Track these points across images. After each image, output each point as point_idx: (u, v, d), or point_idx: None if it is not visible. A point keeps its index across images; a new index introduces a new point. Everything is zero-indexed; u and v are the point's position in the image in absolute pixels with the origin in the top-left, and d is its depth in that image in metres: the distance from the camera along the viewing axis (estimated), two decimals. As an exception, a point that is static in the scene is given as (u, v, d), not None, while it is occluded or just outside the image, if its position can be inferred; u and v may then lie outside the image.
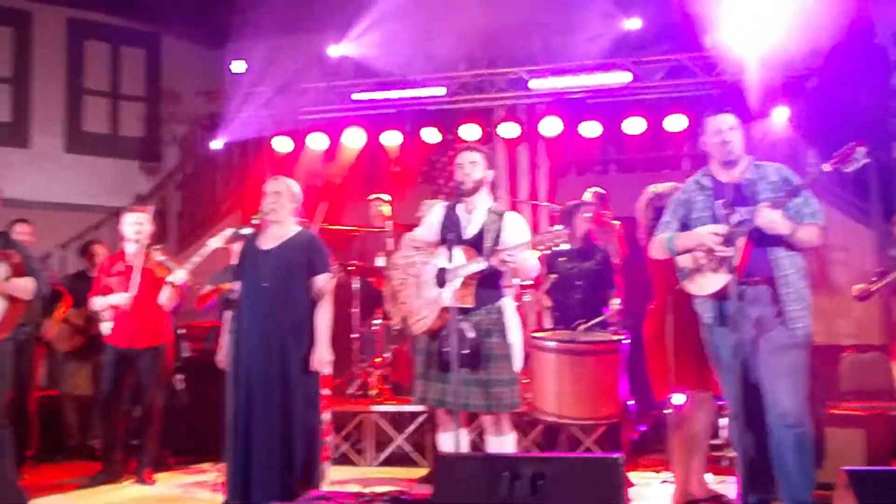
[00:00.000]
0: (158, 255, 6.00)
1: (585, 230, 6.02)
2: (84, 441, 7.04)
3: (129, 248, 6.12)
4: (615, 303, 6.17)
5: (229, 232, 5.66)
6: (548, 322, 6.33)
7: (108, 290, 6.11)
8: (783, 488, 3.99)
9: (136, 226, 6.10)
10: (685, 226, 4.29)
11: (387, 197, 7.60)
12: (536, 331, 5.80)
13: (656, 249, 4.42)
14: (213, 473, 5.75)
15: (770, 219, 3.94)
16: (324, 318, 4.75)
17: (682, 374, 4.78)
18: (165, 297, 5.96)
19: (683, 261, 4.26)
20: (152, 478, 6.03)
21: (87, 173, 10.36)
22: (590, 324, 5.53)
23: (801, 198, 4.05)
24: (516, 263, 4.42)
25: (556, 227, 4.41)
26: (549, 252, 5.98)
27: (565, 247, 5.37)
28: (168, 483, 6.06)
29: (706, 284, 4.17)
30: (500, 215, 4.67)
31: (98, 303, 6.11)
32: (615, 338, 5.48)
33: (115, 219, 9.85)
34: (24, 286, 4.92)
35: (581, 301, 5.90)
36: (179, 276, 5.91)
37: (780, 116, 8.61)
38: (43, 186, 9.79)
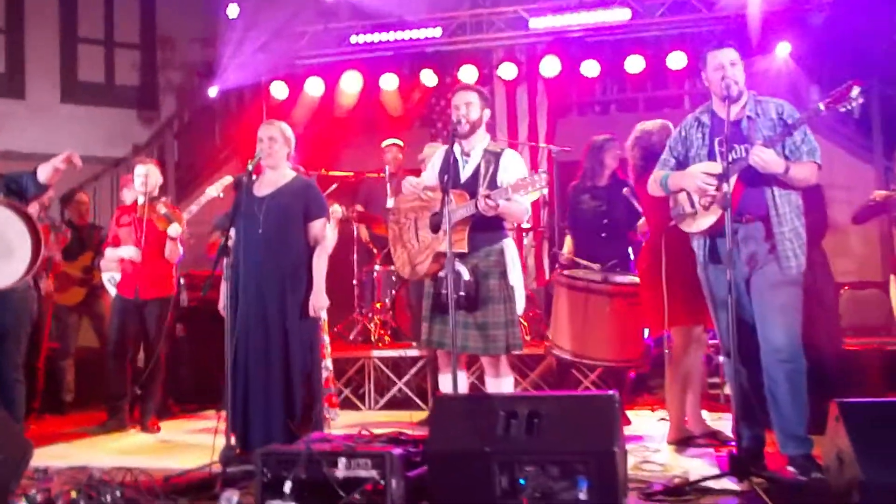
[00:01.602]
0: (161, 208, 6.00)
1: (613, 168, 5.89)
2: (87, 391, 7.11)
3: (139, 200, 6.16)
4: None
5: (227, 180, 5.66)
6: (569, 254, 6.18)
7: (117, 242, 6.16)
8: (776, 423, 4.03)
9: (140, 177, 6.12)
10: (683, 163, 4.26)
11: (400, 143, 7.56)
12: (564, 269, 5.74)
13: (652, 187, 4.40)
14: (215, 420, 5.80)
15: (763, 158, 3.91)
16: (320, 264, 4.73)
17: (674, 310, 4.78)
18: (168, 250, 6.02)
19: (677, 199, 4.25)
20: (157, 425, 6.11)
21: (84, 123, 10.26)
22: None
23: (799, 135, 4.01)
24: (502, 209, 4.39)
25: (540, 172, 4.37)
26: (570, 190, 5.99)
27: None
28: (172, 430, 6.13)
29: (699, 222, 4.16)
30: (497, 155, 4.62)
31: (109, 254, 6.17)
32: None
33: (114, 169, 9.91)
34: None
35: (607, 239, 5.78)
36: (175, 229, 5.94)
37: (783, 52, 8.48)
38: (40, 137, 9.68)
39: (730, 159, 3.97)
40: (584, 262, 5.59)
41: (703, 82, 4.27)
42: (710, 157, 4.15)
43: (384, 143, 7.69)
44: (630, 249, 5.91)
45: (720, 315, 4.12)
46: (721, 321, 4.13)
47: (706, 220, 4.10)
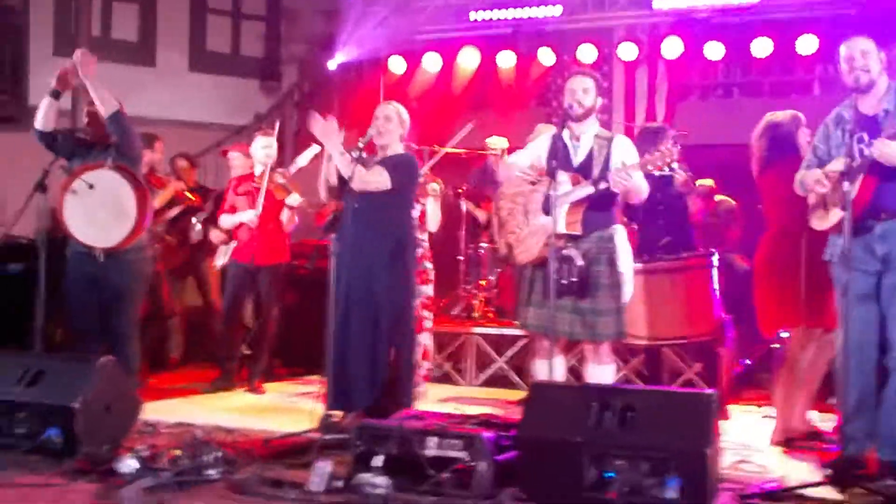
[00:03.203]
0: (279, 178, 6.18)
1: None
2: (195, 349, 7.41)
3: (258, 170, 6.34)
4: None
5: (315, 150, 5.86)
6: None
7: (233, 209, 6.37)
8: (883, 426, 3.86)
9: (266, 149, 6.33)
10: (826, 161, 4.10)
11: (505, 144, 7.40)
12: None
13: (796, 186, 4.25)
14: (317, 385, 5.96)
15: (884, 151, 3.74)
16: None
17: (799, 309, 4.61)
18: (286, 218, 6.21)
19: (814, 197, 4.11)
20: (262, 387, 6.32)
21: (209, 92, 10.60)
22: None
23: None
24: (630, 183, 4.33)
25: (667, 146, 4.28)
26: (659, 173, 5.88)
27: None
28: (276, 393, 6.35)
29: (826, 220, 4.01)
30: (609, 140, 4.56)
31: (226, 220, 6.40)
32: (701, 253, 5.30)
33: (236, 137, 10.20)
34: None
35: (664, 227, 5.70)
36: (295, 198, 6.12)
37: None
38: (167, 104, 10.05)
39: (861, 156, 3.81)
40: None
41: (834, 68, 4.10)
42: (846, 154, 3.97)
43: (489, 143, 7.50)
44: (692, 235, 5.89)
45: (846, 313, 3.95)
46: (844, 319, 3.96)
47: (832, 219, 3.95)
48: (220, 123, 10.29)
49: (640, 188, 4.48)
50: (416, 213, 5.89)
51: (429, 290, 5.98)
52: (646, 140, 5.74)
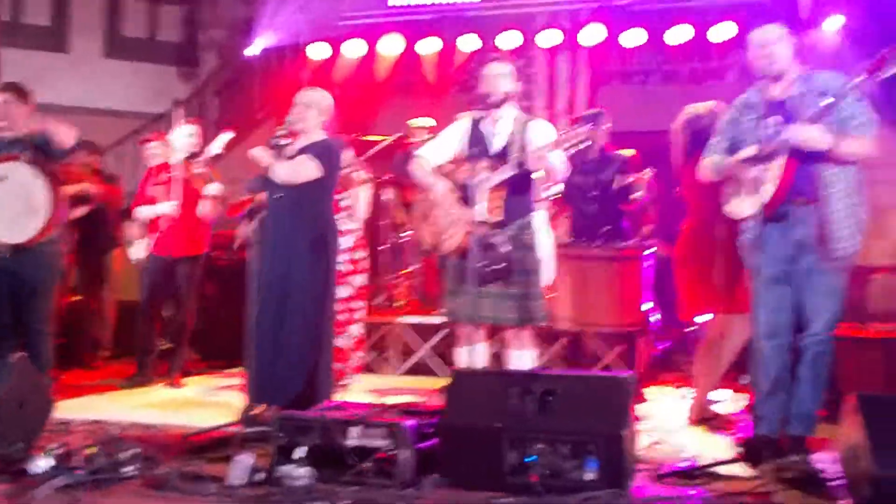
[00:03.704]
0: (198, 167, 6.05)
1: (603, 142, 5.86)
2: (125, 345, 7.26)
3: (175, 159, 6.21)
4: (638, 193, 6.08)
5: (227, 136, 5.86)
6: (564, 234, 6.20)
7: (151, 200, 6.22)
8: (794, 403, 3.98)
9: (190, 137, 6.20)
10: (734, 146, 4.16)
11: (432, 122, 7.38)
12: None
13: (704, 172, 4.31)
14: (240, 378, 5.89)
15: (802, 136, 3.81)
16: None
17: (718, 295, 4.72)
18: (206, 209, 6.08)
19: (729, 184, 4.16)
20: (181, 381, 6.21)
21: (126, 78, 10.37)
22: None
23: (851, 108, 3.86)
24: (547, 162, 4.37)
25: (580, 126, 4.34)
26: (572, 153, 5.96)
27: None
28: (196, 386, 6.23)
29: (743, 206, 4.08)
30: (526, 124, 4.59)
31: (143, 212, 6.25)
32: (638, 245, 5.39)
33: (154, 125, 9.98)
34: None
35: (598, 212, 5.79)
36: (215, 187, 6.01)
37: (834, 25, 8.23)
38: (82, 92, 9.81)
39: (774, 141, 3.89)
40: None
41: (748, 55, 4.16)
42: (757, 139, 4.05)
43: (412, 124, 7.52)
44: (624, 222, 5.98)
45: (760, 297, 4.05)
46: (758, 303, 4.06)
47: (751, 205, 4.02)
48: (137, 111, 10.07)
49: (556, 168, 4.51)
50: (347, 201, 5.87)
51: (362, 279, 5.95)
52: (584, 124, 5.79)
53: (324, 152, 4.72)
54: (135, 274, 6.67)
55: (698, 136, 4.83)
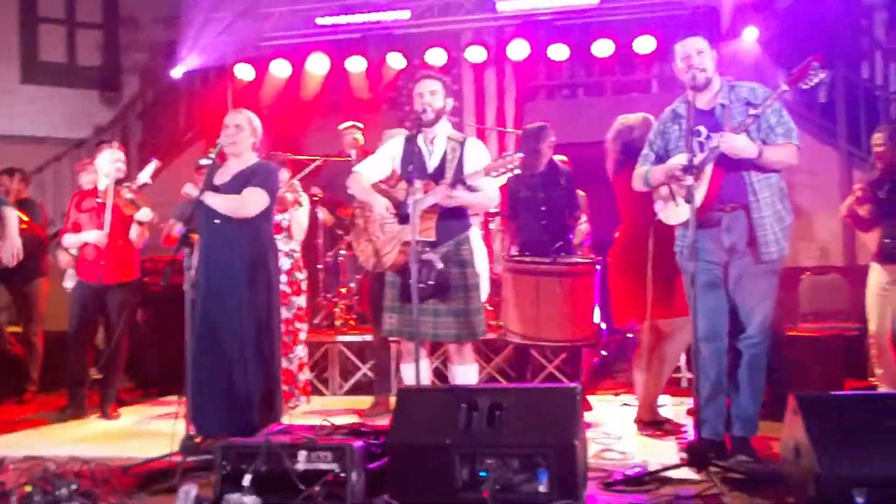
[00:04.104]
0: (127, 193, 5.91)
1: (549, 155, 5.89)
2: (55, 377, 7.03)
3: (101, 184, 6.05)
4: (583, 223, 6.13)
5: (155, 165, 5.69)
6: (513, 249, 6.24)
7: (77, 227, 6.05)
8: (733, 405, 4.08)
9: (116, 163, 6.06)
10: (663, 156, 4.24)
11: (360, 125, 7.41)
12: (511, 254, 5.78)
13: (636, 183, 4.39)
14: (177, 406, 5.75)
15: (732, 144, 3.90)
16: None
17: (658, 303, 4.79)
18: (135, 234, 5.96)
19: (660, 192, 4.24)
20: (116, 412, 6.05)
21: (44, 104, 10.07)
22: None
23: (773, 117, 3.99)
24: (464, 201, 4.39)
25: (513, 152, 4.36)
26: (509, 177, 5.98)
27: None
28: (132, 416, 6.08)
29: (677, 214, 4.16)
30: (462, 143, 4.60)
31: (69, 239, 6.08)
32: (591, 260, 5.42)
33: (76, 151, 9.74)
34: None
35: (546, 226, 5.79)
36: (145, 213, 5.88)
37: (751, 36, 8.49)
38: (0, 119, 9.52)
39: (704, 150, 3.97)
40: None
41: (671, 67, 4.25)
42: (687, 149, 4.13)
43: (342, 126, 7.48)
44: (570, 236, 6.01)
45: (691, 303, 4.12)
46: (691, 309, 4.13)
47: (684, 213, 4.08)
48: (58, 137, 9.80)
49: (479, 202, 4.56)
50: (285, 223, 5.81)
51: (301, 300, 5.89)
52: (529, 139, 5.83)
53: (266, 179, 4.67)
54: (64, 303, 6.50)
55: (629, 148, 4.92)
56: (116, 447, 4.94)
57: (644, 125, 4.97)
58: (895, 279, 5.25)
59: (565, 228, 5.92)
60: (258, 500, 3.37)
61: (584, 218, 6.23)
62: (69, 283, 6.17)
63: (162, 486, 3.80)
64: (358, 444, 3.51)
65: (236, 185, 4.63)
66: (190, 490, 3.42)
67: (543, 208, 5.82)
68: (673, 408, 5.45)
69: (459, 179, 4.37)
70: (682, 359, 5.86)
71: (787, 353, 5.13)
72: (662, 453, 4.29)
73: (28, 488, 3.48)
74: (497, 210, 7.84)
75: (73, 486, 3.53)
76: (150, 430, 5.49)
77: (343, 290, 7.45)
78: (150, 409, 6.33)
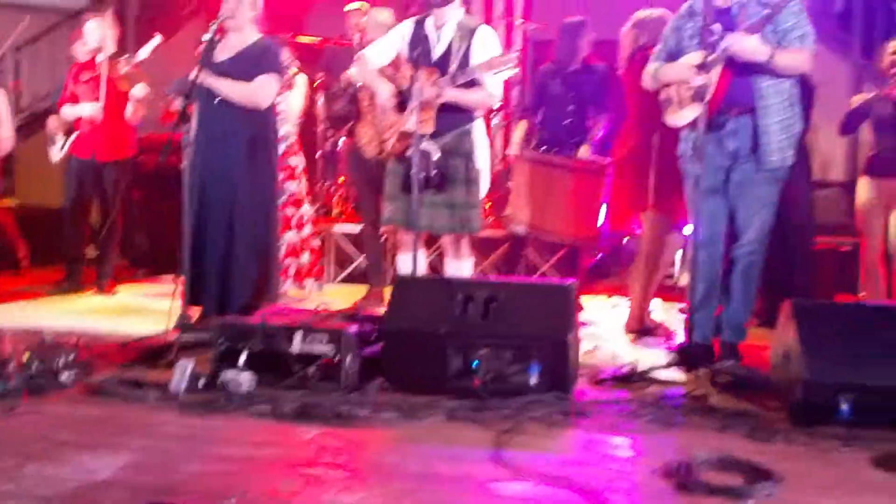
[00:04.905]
0: (125, 67, 5.78)
1: (586, 53, 5.70)
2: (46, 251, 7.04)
3: (98, 57, 5.93)
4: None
5: (157, 40, 5.58)
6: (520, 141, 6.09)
7: (75, 98, 5.96)
8: (725, 311, 4.10)
9: (97, 32, 5.88)
10: (676, 54, 4.14)
11: (366, 5, 7.19)
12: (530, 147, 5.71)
13: (646, 80, 4.29)
14: (173, 285, 5.79)
15: (743, 45, 3.80)
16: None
17: (646, 196, 4.76)
18: (130, 111, 5.86)
19: (666, 92, 4.15)
20: (114, 288, 6.08)
21: (41, -29, 9.75)
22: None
23: (790, 19, 3.86)
24: (452, 98, 4.32)
25: (511, 52, 4.27)
26: (538, 72, 5.86)
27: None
28: (127, 293, 6.12)
29: (683, 115, 4.08)
30: (471, 31, 4.47)
31: (67, 112, 5.98)
32: (606, 162, 5.37)
33: (72, 21, 9.47)
34: None
35: (570, 126, 5.65)
36: (140, 89, 5.78)
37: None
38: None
39: (717, 49, 3.87)
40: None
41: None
42: (701, 47, 4.02)
43: (347, 8, 7.28)
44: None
45: (690, 207, 4.10)
46: (691, 213, 4.12)
47: (690, 113, 4.02)
48: (53, 6, 9.51)
49: (474, 101, 4.44)
50: (280, 105, 5.71)
51: (294, 186, 5.85)
52: (566, 34, 5.66)
53: (274, 63, 4.60)
54: (55, 180, 6.47)
55: (644, 44, 4.81)
56: (113, 322, 4.99)
57: (659, 20, 4.85)
58: (880, 194, 5.23)
59: (586, 130, 5.79)
60: (253, 378, 3.42)
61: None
62: (56, 154, 6.08)
63: (159, 362, 3.84)
64: (353, 328, 3.55)
65: (240, 65, 4.54)
66: (187, 365, 3.46)
67: (570, 107, 5.65)
68: (664, 312, 5.50)
69: (459, 72, 4.28)
70: (677, 264, 5.87)
71: (778, 266, 5.12)
72: (652, 355, 4.35)
73: (26, 356, 3.53)
74: (500, 105, 7.76)
75: (71, 356, 3.57)
76: (145, 307, 5.52)
77: (340, 180, 7.40)
78: (144, 287, 6.37)
